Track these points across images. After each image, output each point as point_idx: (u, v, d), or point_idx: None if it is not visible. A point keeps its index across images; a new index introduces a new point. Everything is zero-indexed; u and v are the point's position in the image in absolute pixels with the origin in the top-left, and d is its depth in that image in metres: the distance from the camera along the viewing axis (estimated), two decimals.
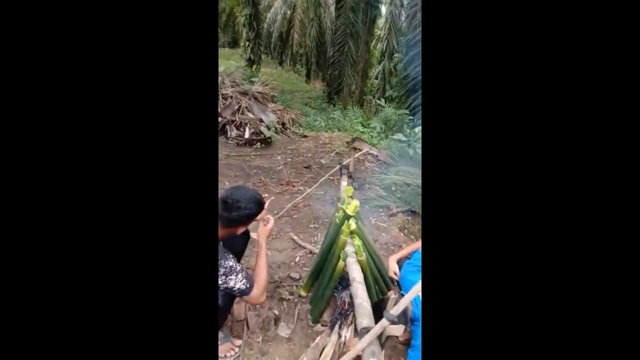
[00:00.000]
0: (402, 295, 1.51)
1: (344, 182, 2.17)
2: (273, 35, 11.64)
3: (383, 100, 5.88)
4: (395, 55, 6.73)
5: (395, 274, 1.66)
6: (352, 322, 1.45)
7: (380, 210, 2.69)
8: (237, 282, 1.09)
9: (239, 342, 1.37)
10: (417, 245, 1.77)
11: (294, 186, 3.07)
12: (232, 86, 4.99)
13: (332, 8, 8.93)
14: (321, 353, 1.36)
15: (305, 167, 3.54)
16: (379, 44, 8.45)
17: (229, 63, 7.18)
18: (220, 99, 4.58)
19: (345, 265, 1.36)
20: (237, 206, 1.10)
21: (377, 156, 3.76)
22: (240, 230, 1.19)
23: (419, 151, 3.90)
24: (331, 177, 3.06)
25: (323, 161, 3.75)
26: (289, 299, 1.65)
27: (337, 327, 1.44)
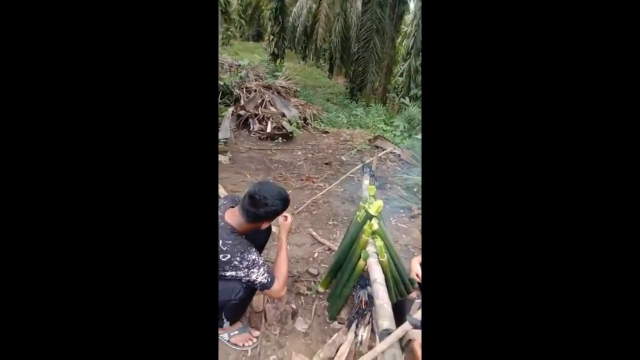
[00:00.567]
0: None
1: (366, 181, 2.15)
2: (298, 29, 11.63)
3: (407, 98, 5.76)
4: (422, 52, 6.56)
5: (417, 275, 1.63)
6: (369, 322, 1.44)
7: (401, 211, 2.65)
8: (259, 275, 1.10)
9: (257, 333, 1.39)
10: None
11: (313, 182, 3.07)
12: (255, 80, 5.04)
13: (359, 3, 8.80)
14: (337, 351, 1.36)
15: (326, 164, 3.54)
16: (405, 40, 8.26)
17: (253, 57, 7.25)
18: (244, 92, 4.64)
19: (366, 265, 1.35)
20: (264, 202, 1.11)
21: (399, 155, 3.69)
22: (265, 225, 1.20)
23: None
24: (351, 175, 3.04)
25: (343, 158, 3.73)
26: (306, 294, 1.66)
27: (354, 325, 1.44)
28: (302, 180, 3.10)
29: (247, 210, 1.11)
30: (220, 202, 1.24)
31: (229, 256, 1.07)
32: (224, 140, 3.51)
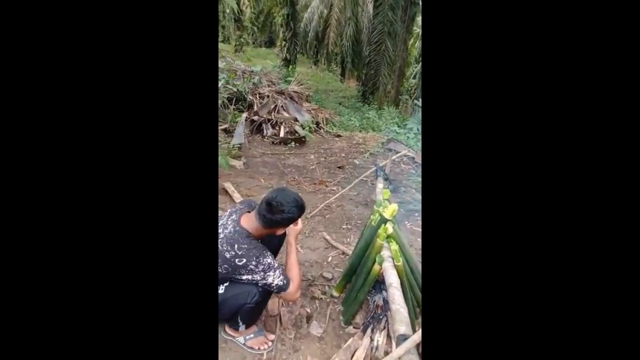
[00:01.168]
0: None
1: (380, 185, 2.13)
2: (309, 34, 11.75)
3: (420, 100, 5.70)
4: None
5: None
6: (384, 327, 1.43)
7: (416, 214, 2.61)
8: (275, 278, 1.11)
9: (272, 336, 1.40)
10: None
11: (326, 186, 3.08)
12: (268, 85, 5.12)
13: (370, 7, 8.81)
14: (352, 356, 1.35)
15: (339, 167, 3.54)
16: (417, 42, 8.20)
17: (266, 62, 7.36)
18: (257, 97, 4.71)
19: (381, 269, 1.34)
20: (281, 209, 1.12)
21: (413, 158, 3.65)
22: (280, 231, 1.22)
23: None
24: (364, 178, 3.03)
25: (356, 162, 3.72)
26: (321, 298, 1.66)
27: (369, 330, 1.42)
28: (315, 184, 3.11)
29: (264, 216, 1.13)
30: (237, 207, 1.27)
31: (244, 260, 1.08)
32: (238, 145, 3.57)
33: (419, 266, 1.54)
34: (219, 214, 1.28)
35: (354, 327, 1.50)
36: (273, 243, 1.35)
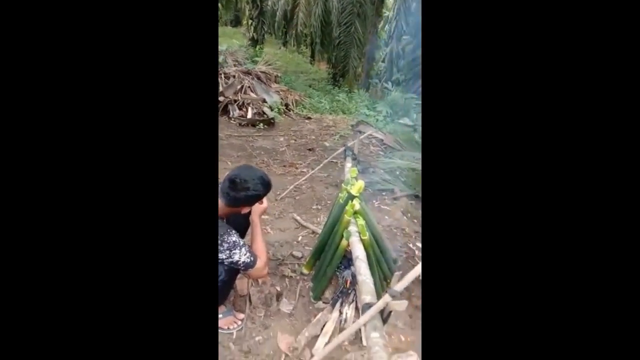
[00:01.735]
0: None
1: (349, 164, 2.15)
2: (277, 13, 11.29)
3: (390, 83, 5.76)
4: (404, 37, 6.54)
5: None
6: (353, 300, 1.47)
7: (384, 194, 2.68)
8: (241, 255, 1.09)
9: (241, 316, 1.39)
10: None
11: (297, 168, 3.05)
12: (234, 65, 4.89)
13: None
14: (322, 329, 1.38)
15: (309, 150, 3.52)
16: (387, 25, 8.19)
17: (232, 42, 7.01)
18: (223, 78, 4.49)
19: (349, 244, 1.37)
20: (245, 187, 1.09)
21: (382, 140, 3.72)
22: (245, 210, 1.18)
23: None
24: (334, 160, 3.03)
25: (327, 144, 3.72)
26: (291, 277, 1.67)
27: (338, 304, 1.46)
28: (284, 166, 3.07)
29: (227, 194, 1.09)
30: None
31: None
32: None
33: (385, 241, 1.59)
34: None
35: (323, 302, 1.53)
36: (238, 222, 1.31)
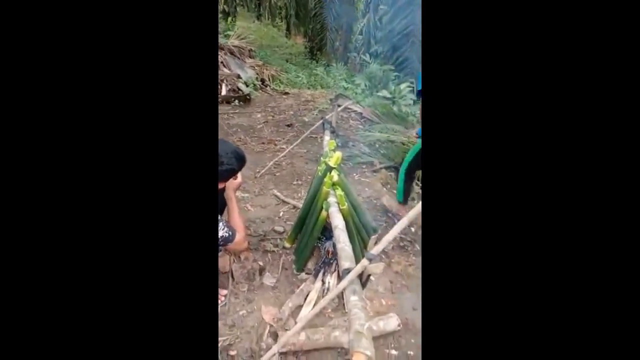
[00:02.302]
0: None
1: (327, 137, 2.13)
2: None
3: (368, 55, 5.64)
4: (381, 7, 6.34)
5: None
6: (335, 269, 1.50)
7: (364, 166, 2.69)
8: (219, 230, 1.07)
9: (224, 291, 1.39)
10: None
11: (275, 144, 2.99)
12: None
13: None
14: (306, 299, 1.41)
15: (287, 125, 3.44)
16: None
17: None
18: None
19: (328, 215, 1.37)
20: (220, 161, 1.05)
21: (361, 113, 3.68)
22: (220, 186, 1.15)
23: (404, 108, 3.85)
24: (314, 135, 2.99)
25: (306, 119, 3.65)
26: (273, 251, 1.67)
27: (321, 274, 1.48)
28: (263, 143, 3.00)
29: None
30: None
31: None
32: None
33: (365, 210, 1.61)
34: None
35: (306, 273, 1.55)
36: None
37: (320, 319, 1.34)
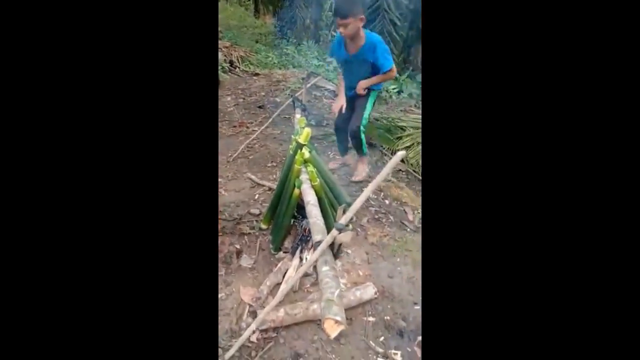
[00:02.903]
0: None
1: (298, 115, 2.08)
2: None
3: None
4: None
5: (363, 89, 1.93)
6: (312, 246, 1.51)
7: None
8: None
9: None
10: (383, 77, 1.93)
11: (247, 127, 2.91)
12: None
13: None
14: (284, 277, 1.41)
15: (259, 107, 3.35)
16: None
17: None
18: None
19: (301, 192, 1.36)
20: None
21: (333, 91, 3.63)
22: None
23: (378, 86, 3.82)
24: (287, 116, 2.93)
25: (278, 99, 3.56)
26: (249, 233, 1.66)
27: (298, 252, 1.49)
28: (234, 126, 2.92)
29: None
30: None
31: None
32: None
33: (338, 185, 1.61)
34: None
35: (283, 252, 1.55)
36: None
37: (300, 294, 1.36)
